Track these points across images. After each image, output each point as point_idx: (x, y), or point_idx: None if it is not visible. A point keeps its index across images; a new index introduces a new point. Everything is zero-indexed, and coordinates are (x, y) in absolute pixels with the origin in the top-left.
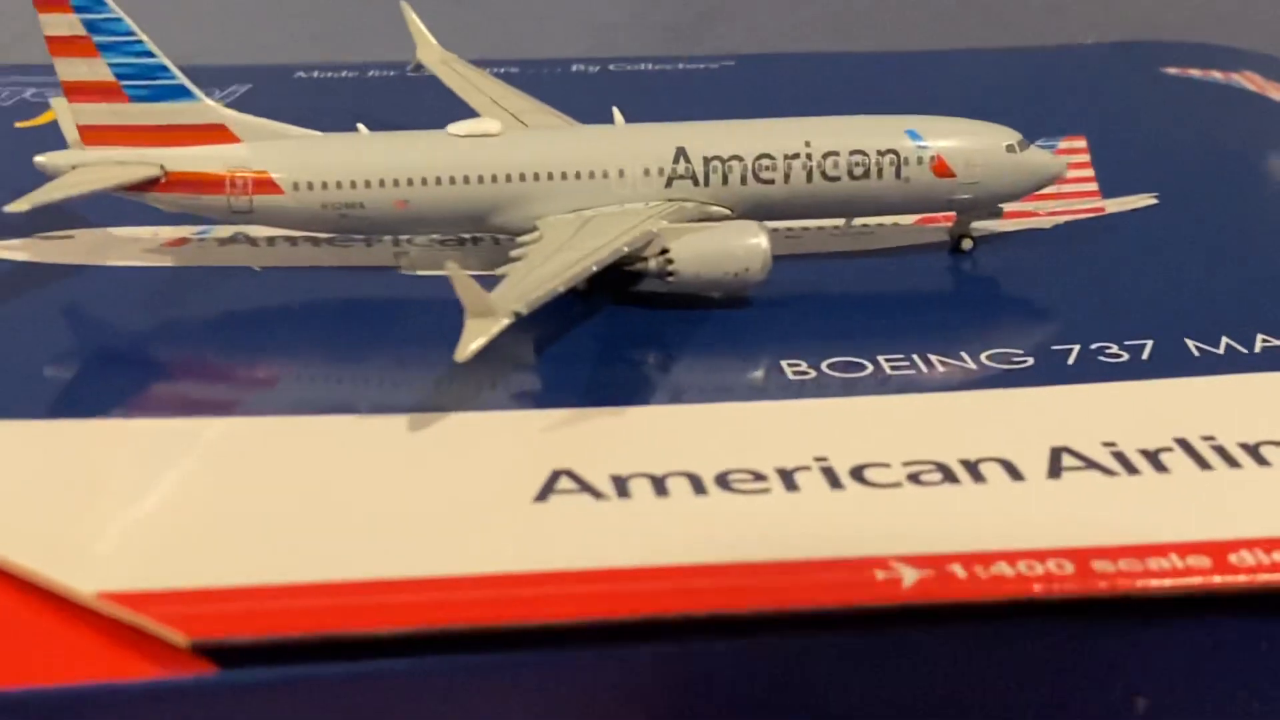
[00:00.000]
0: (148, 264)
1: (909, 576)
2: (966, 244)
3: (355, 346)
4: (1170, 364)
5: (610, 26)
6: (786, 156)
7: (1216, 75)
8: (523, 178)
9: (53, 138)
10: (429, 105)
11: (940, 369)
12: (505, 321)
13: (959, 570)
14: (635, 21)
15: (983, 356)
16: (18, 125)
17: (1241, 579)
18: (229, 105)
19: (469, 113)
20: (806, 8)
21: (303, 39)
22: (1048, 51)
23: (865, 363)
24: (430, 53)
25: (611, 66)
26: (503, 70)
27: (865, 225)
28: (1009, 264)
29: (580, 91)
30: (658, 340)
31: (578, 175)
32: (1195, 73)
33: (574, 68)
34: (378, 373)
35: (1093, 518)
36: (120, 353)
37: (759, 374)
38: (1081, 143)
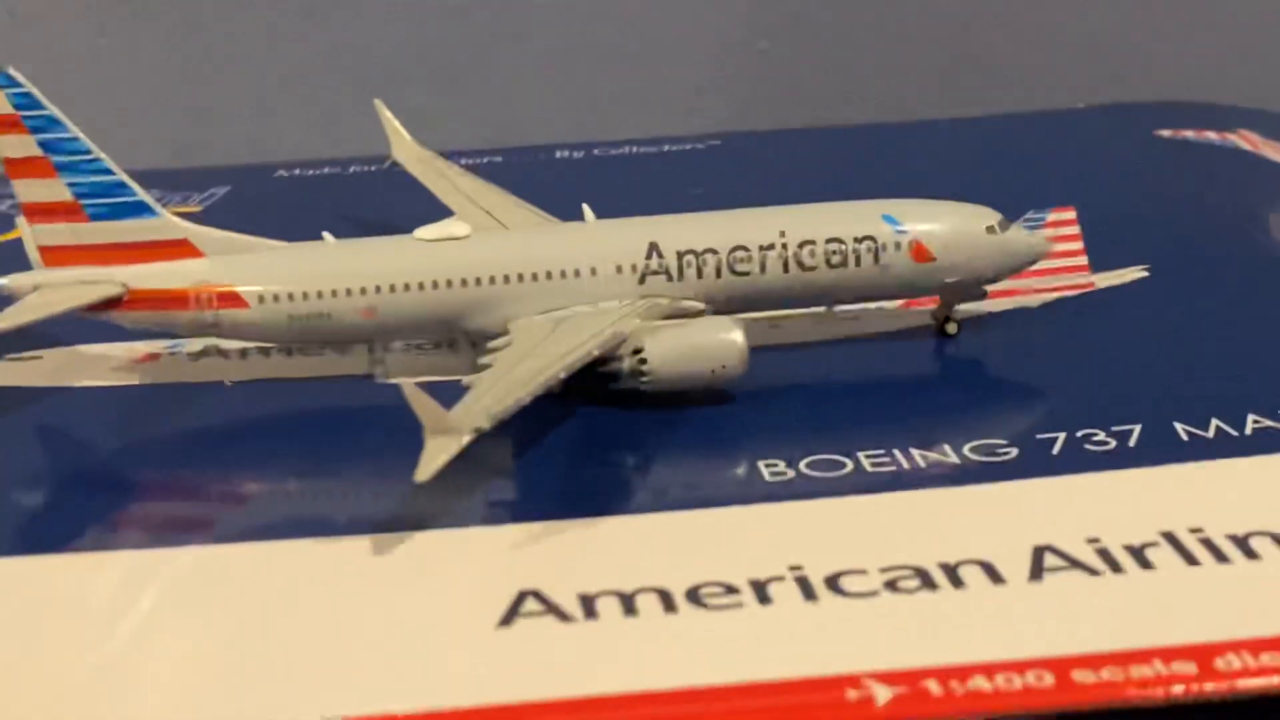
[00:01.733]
0: (118, 383)
1: (882, 695)
2: (951, 328)
3: (328, 462)
4: (1158, 450)
5: (596, 108)
6: (761, 248)
7: (1211, 136)
8: (492, 280)
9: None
10: (411, 201)
11: (921, 464)
12: (467, 439)
13: (934, 686)
14: (619, 102)
15: (966, 449)
16: None
17: (1227, 685)
18: (207, 209)
19: (447, 209)
20: (789, 82)
21: (284, 135)
22: (1037, 118)
23: (845, 460)
24: (405, 150)
25: (596, 151)
26: (486, 160)
27: (848, 311)
28: (994, 347)
29: (564, 179)
30: (632, 444)
31: (548, 275)
32: (1190, 134)
33: (558, 154)
34: (351, 489)
35: (1075, 623)
36: (88, 479)
37: (735, 477)
38: (1070, 214)
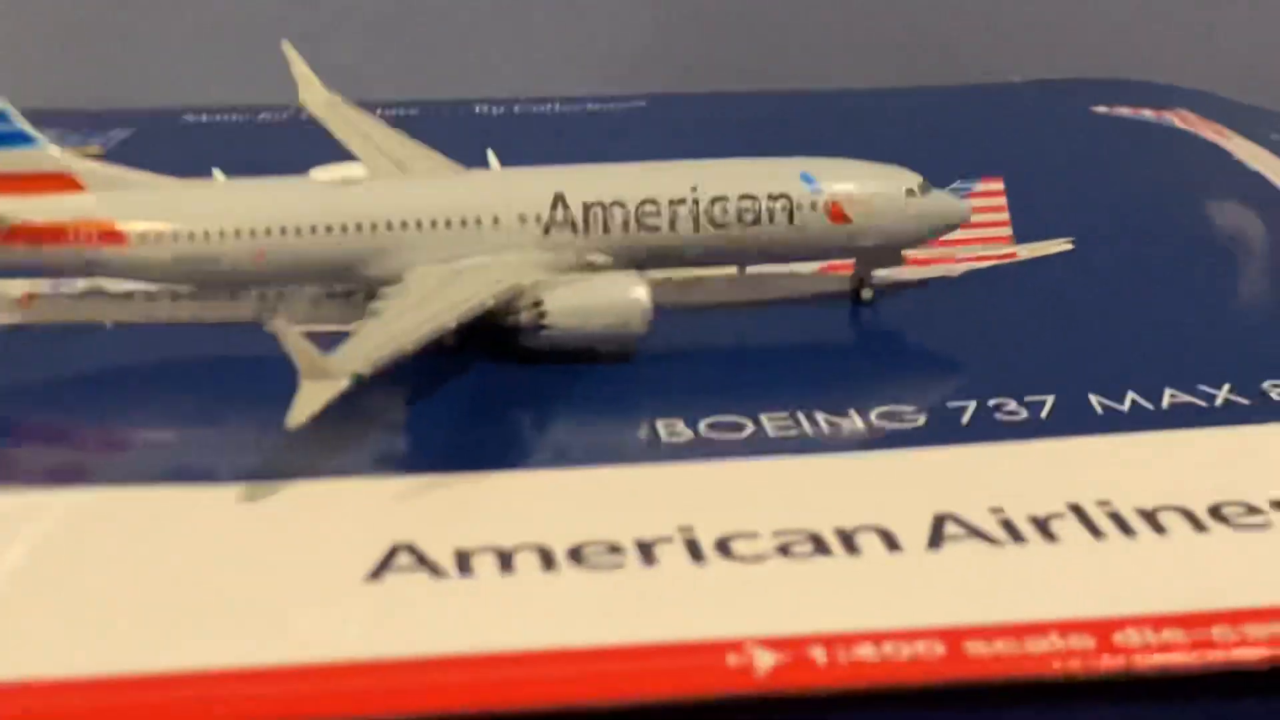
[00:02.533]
0: None
1: (764, 661)
2: (867, 293)
3: (210, 409)
4: (1071, 421)
5: (521, 66)
6: (672, 202)
7: (1148, 113)
8: (389, 226)
9: None
10: (320, 149)
11: (826, 428)
12: (343, 384)
13: (819, 654)
14: (545, 63)
15: (873, 415)
16: None
17: (1124, 661)
18: (107, 151)
19: (354, 156)
20: (718, 46)
21: (191, 79)
22: (971, 90)
23: (747, 422)
24: (314, 94)
25: (516, 108)
26: (401, 112)
27: (761, 273)
28: (910, 314)
29: (482, 135)
30: (528, 399)
31: (448, 223)
32: (1126, 111)
33: (476, 109)
34: (232, 437)
35: (971, 593)
36: None
37: (632, 436)
38: (998, 184)
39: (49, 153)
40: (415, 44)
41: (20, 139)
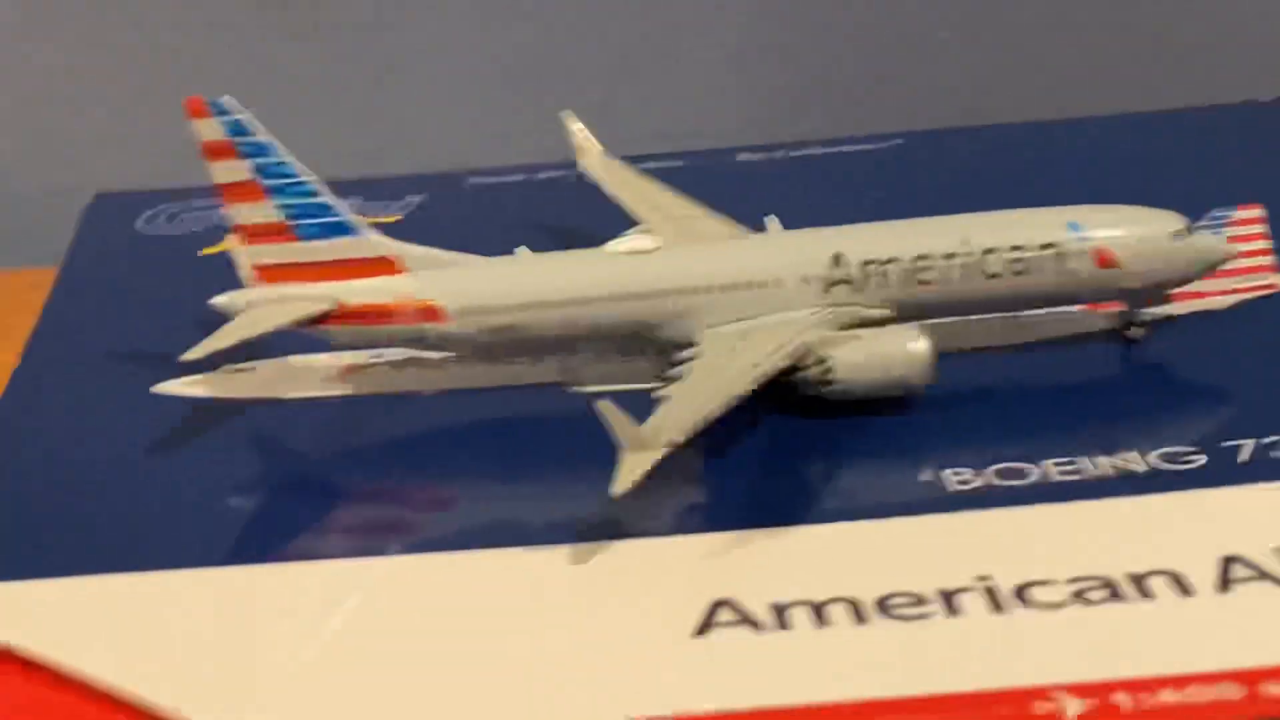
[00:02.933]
0: (325, 394)
1: (1072, 708)
2: (1135, 332)
3: (522, 470)
4: None
5: (773, 105)
6: (945, 256)
7: None
8: (680, 293)
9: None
10: (599, 209)
11: (1108, 471)
12: (663, 452)
13: (1124, 699)
14: (795, 98)
15: (1152, 456)
16: (202, 253)
17: None
18: (404, 217)
19: (634, 218)
20: (965, 76)
21: (472, 142)
22: (1214, 111)
23: (1031, 468)
24: (592, 157)
25: (777, 154)
26: (666, 165)
27: (1031, 315)
28: (1179, 351)
29: (746, 183)
30: (815, 452)
31: (735, 287)
32: None
33: (739, 157)
34: (545, 497)
35: (1263, 635)
36: (295, 489)
37: (920, 485)
38: (1258, 211)
39: (372, 239)
40: (675, 94)
41: (344, 229)
